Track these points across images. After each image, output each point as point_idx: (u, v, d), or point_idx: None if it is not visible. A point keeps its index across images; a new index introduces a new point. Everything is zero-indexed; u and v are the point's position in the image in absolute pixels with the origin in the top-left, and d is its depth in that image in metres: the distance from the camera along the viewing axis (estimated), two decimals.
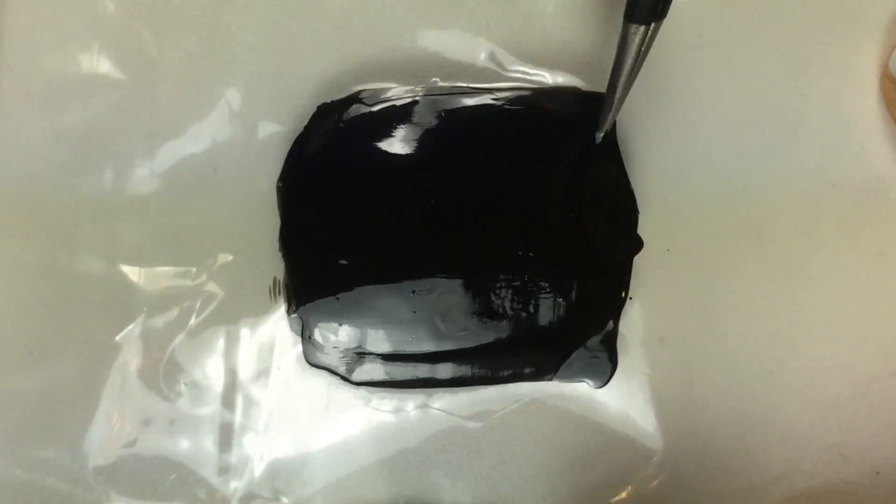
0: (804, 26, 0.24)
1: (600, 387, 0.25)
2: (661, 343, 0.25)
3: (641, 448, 0.24)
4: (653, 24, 0.20)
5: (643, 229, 0.24)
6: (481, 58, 0.24)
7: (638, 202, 0.24)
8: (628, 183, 0.24)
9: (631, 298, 0.25)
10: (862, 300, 0.24)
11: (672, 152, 0.24)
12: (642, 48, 0.21)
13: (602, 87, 0.24)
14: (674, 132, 0.24)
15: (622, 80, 0.22)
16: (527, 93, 0.24)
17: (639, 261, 0.24)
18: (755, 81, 0.24)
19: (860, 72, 0.24)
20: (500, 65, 0.24)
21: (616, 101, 0.22)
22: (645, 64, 0.21)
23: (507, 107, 0.24)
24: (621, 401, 0.24)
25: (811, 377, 0.25)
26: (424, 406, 0.24)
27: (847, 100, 0.24)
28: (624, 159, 0.24)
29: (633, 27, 0.21)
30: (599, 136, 0.24)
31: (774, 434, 0.25)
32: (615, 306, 0.25)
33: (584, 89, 0.24)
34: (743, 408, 0.24)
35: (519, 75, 0.24)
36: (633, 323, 0.25)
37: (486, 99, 0.24)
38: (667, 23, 0.21)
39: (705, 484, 0.25)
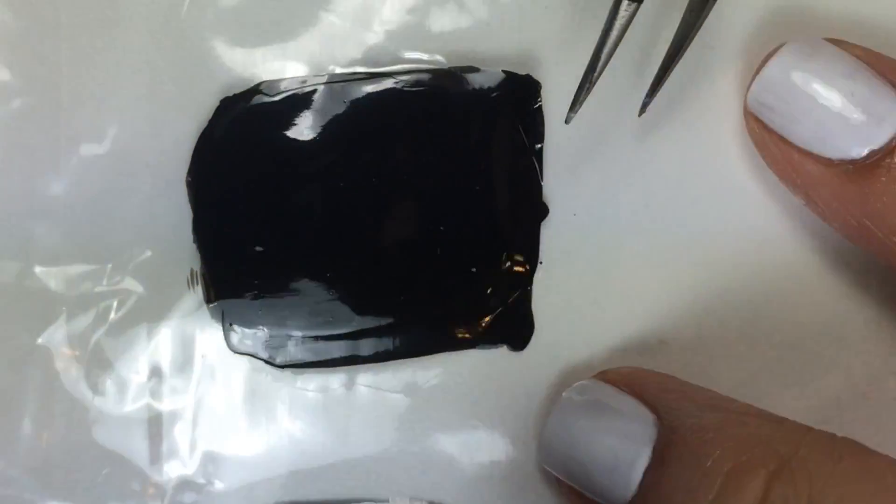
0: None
1: (519, 350, 0.26)
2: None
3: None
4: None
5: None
6: (377, 43, 0.25)
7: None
8: (531, 153, 0.25)
9: (542, 263, 0.26)
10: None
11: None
12: (627, 26, 0.22)
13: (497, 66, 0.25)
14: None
15: (602, 59, 0.22)
16: (425, 75, 0.25)
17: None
18: None
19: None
20: (397, 49, 0.25)
21: (592, 82, 0.23)
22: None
23: (406, 89, 0.25)
24: None
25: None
26: (349, 384, 0.25)
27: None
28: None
29: (624, 4, 0.21)
30: (571, 116, 0.24)
31: None
32: (527, 270, 0.26)
33: (482, 68, 0.25)
34: None
35: (416, 57, 0.25)
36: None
37: (386, 83, 0.25)
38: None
39: None
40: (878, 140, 0.20)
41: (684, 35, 0.22)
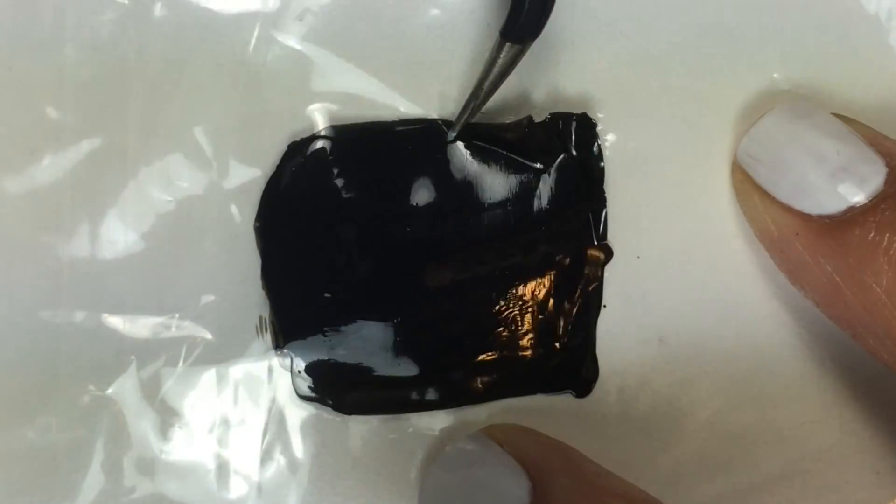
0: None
1: (584, 395, 0.25)
2: (661, 343, 0.25)
3: (641, 449, 0.25)
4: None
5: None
6: (443, 90, 0.25)
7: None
8: (593, 195, 0.25)
9: (605, 307, 0.25)
10: None
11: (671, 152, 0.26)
12: (512, 65, 0.22)
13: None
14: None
15: (485, 91, 0.23)
16: (485, 124, 0.25)
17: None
18: None
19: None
20: (461, 96, 0.25)
21: (473, 109, 0.24)
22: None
23: (468, 137, 0.25)
24: (620, 402, 0.25)
25: (811, 377, 0.26)
26: (417, 430, 0.25)
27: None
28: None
29: (507, 45, 0.22)
30: (452, 135, 0.25)
31: (774, 434, 0.26)
32: (591, 315, 0.26)
33: (537, 120, 0.25)
34: (743, 408, 0.25)
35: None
36: (630, 323, 0.25)
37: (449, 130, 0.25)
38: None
39: (705, 484, 0.25)
40: (858, 198, 0.22)
41: (498, 75, 0.23)
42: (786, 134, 0.23)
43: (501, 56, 0.22)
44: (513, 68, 0.23)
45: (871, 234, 0.21)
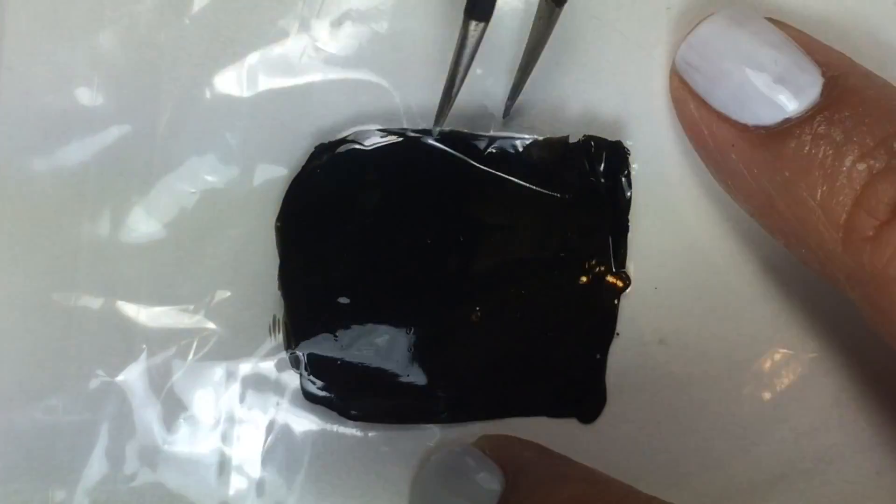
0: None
1: (589, 422, 0.25)
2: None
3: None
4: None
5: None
6: (478, 104, 0.25)
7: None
8: (617, 222, 0.25)
9: (618, 334, 0.25)
10: None
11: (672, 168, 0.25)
12: (478, 44, 0.22)
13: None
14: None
15: (459, 76, 0.23)
16: (517, 141, 0.25)
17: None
18: None
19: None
20: (496, 112, 0.25)
21: (452, 97, 0.23)
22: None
23: (499, 151, 0.25)
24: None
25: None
26: (418, 441, 0.25)
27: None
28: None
29: (473, 24, 0.21)
30: (436, 130, 0.24)
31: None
32: (602, 342, 0.25)
33: (572, 141, 0.25)
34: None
35: (513, 124, 0.25)
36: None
37: (479, 143, 0.25)
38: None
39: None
40: (794, 109, 0.21)
41: (537, 41, 0.23)
42: (724, 42, 0.22)
43: (469, 35, 0.22)
44: (478, 47, 0.22)
45: (807, 148, 0.21)
